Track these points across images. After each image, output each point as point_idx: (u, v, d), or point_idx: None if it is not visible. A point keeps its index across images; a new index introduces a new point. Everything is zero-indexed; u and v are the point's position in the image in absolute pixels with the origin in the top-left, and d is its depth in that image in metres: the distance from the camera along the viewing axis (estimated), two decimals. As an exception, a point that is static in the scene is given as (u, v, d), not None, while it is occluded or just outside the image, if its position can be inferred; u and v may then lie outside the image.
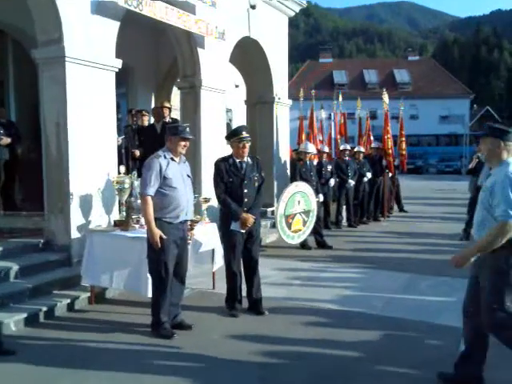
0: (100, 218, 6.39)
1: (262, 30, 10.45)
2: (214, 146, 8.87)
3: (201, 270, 6.61)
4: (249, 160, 5.57)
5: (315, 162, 10.53)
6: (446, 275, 6.76)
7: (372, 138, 14.16)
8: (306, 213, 8.87)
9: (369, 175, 11.96)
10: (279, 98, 11.32)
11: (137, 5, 6.67)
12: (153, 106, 11.28)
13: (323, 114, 14.23)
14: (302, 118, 12.83)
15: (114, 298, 5.98)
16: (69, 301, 5.51)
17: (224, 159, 5.60)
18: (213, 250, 6.37)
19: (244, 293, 5.67)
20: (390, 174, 13.16)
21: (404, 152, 13.94)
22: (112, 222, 6.26)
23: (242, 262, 5.61)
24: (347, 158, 11.56)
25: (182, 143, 4.89)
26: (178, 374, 4.07)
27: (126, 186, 6.06)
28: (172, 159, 4.86)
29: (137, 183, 6.03)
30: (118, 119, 8.25)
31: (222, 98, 9.32)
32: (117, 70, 6.76)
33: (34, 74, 6.92)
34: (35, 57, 6.28)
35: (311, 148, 9.79)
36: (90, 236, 5.77)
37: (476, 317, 3.77)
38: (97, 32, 6.41)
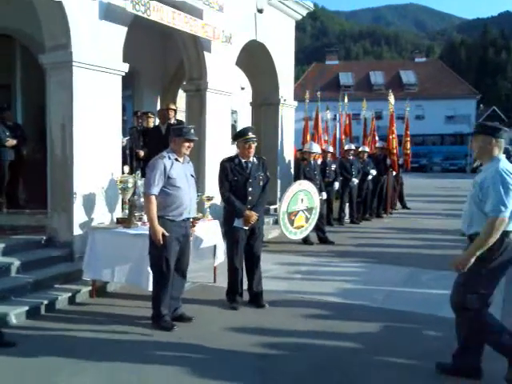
0: (103, 216, 6.45)
1: (269, 34, 10.50)
2: (218, 147, 8.94)
3: (202, 265, 6.64)
4: (254, 160, 5.65)
5: (319, 161, 10.59)
6: (447, 269, 6.72)
7: (377, 137, 14.20)
8: (309, 210, 8.90)
9: (373, 172, 12.02)
10: (285, 100, 11.37)
11: (144, 10, 6.75)
12: (158, 108, 11.36)
13: (329, 115, 14.28)
14: (307, 119, 12.88)
15: (116, 292, 6.02)
16: (70, 294, 5.57)
17: (230, 159, 5.70)
18: (214, 246, 6.43)
19: (245, 286, 5.71)
20: (394, 173, 13.20)
21: (408, 151, 13.99)
22: (115, 220, 6.32)
23: (244, 257, 5.67)
24: (351, 158, 11.60)
25: (186, 144, 4.95)
26: (177, 364, 4.10)
27: (130, 185, 6.12)
28: (176, 160, 4.92)
29: (140, 182, 6.09)
30: (124, 121, 8.32)
31: (228, 100, 9.39)
32: (123, 74, 6.84)
33: (41, 78, 7.01)
34: (43, 62, 6.36)
35: (316, 148, 9.86)
36: (92, 233, 5.83)
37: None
38: (104, 37, 6.49)
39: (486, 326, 3.80)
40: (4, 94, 9.66)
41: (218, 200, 7.26)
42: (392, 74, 48.87)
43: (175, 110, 9.19)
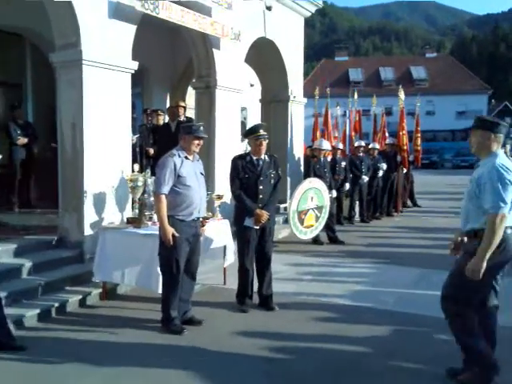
0: (113, 216, 6.46)
1: (278, 31, 10.45)
2: (228, 145, 8.92)
3: (212, 266, 6.63)
4: (266, 158, 5.62)
5: (329, 158, 10.54)
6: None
7: (387, 134, 14.12)
8: (319, 209, 8.86)
9: (384, 166, 11.93)
10: (294, 97, 11.33)
11: (153, 8, 6.74)
12: (168, 105, 11.36)
13: (339, 111, 14.21)
14: (316, 116, 12.82)
15: (126, 294, 6.03)
16: (81, 297, 5.57)
17: (241, 156, 5.68)
18: (224, 247, 6.40)
19: (255, 288, 5.69)
20: (405, 170, 13.11)
21: (419, 148, 13.88)
22: (125, 220, 6.32)
23: (255, 257, 5.64)
24: (361, 155, 11.54)
25: (196, 142, 4.92)
26: (186, 368, 4.10)
27: (140, 183, 6.11)
28: (186, 158, 4.90)
29: (150, 181, 6.08)
30: (133, 119, 8.33)
31: (237, 97, 9.36)
32: (133, 72, 6.83)
33: (51, 76, 7.03)
34: (53, 60, 6.37)
35: (325, 145, 9.80)
36: (103, 233, 5.84)
37: (481, 311, 3.80)
38: (114, 35, 6.48)
39: (466, 325, 3.78)
40: (15, 92, 9.68)
41: (228, 198, 7.25)
42: (402, 69, 48.57)
43: (185, 108, 9.19)
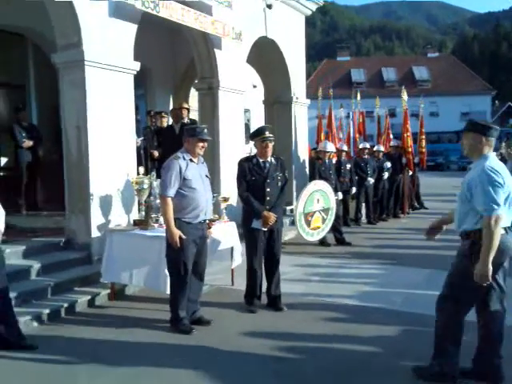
0: (120, 218, 6.48)
1: (279, 30, 10.46)
2: (232, 146, 8.93)
3: (220, 268, 6.65)
4: (272, 160, 5.63)
5: (334, 160, 10.54)
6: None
7: (391, 136, 14.10)
8: (325, 211, 8.86)
9: (388, 164, 11.93)
10: (297, 98, 11.34)
11: (154, 7, 6.75)
12: (171, 107, 11.38)
13: (342, 113, 14.21)
14: (320, 117, 12.81)
15: (134, 295, 6.05)
16: (89, 297, 5.61)
17: (247, 159, 5.70)
18: (231, 248, 6.41)
19: (263, 289, 5.70)
20: (410, 172, 13.09)
21: (424, 149, 13.85)
22: (131, 222, 6.34)
23: (263, 259, 5.66)
24: (366, 157, 11.54)
25: (200, 144, 4.93)
26: (195, 368, 4.11)
27: (145, 186, 6.14)
28: (191, 160, 4.91)
29: (156, 183, 6.10)
30: (137, 121, 8.35)
31: (240, 98, 9.37)
32: (135, 73, 6.85)
33: (54, 77, 7.04)
34: (55, 61, 6.39)
35: (330, 147, 9.81)
36: (110, 235, 5.86)
37: (482, 312, 3.85)
38: (115, 35, 6.50)
39: (455, 328, 3.86)
40: (19, 94, 9.70)
41: (234, 201, 7.26)
42: (404, 70, 48.51)
43: (188, 109, 9.19)
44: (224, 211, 6.57)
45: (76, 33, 6.10)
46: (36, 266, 5.74)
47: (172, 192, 4.78)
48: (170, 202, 4.78)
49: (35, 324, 4.96)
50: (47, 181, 8.65)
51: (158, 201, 6.05)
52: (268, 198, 5.50)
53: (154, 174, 6.52)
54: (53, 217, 7.64)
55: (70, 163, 6.39)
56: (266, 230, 5.51)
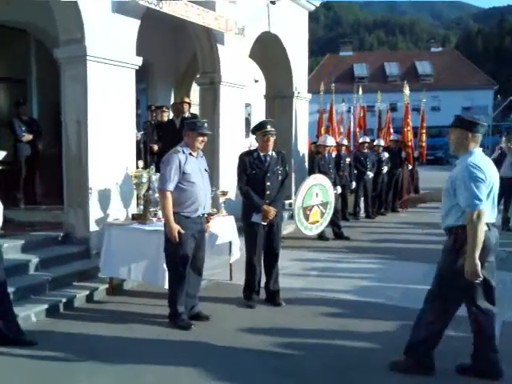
0: (118, 212, 6.47)
1: (282, 25, 10.42)
2: (232, 141, 8.92)
3: (218, 262, 6.66)
4: (273, 154, 5.62)
5: (334, 154, 10.53)
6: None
7: (392, 130, 14.08)
8: (324, 205, 8.86)
9: (386, 155, 11.97)
10: (298, 93, 11.31)
11: (157, 3, 6.72)
12: (172, 102, 11.35)
13: (344, 107, 14.19)
14: (321, 112, 12.79)
15: (133, 290, 6.05)
16: (88, 292, 5.61)
17: (248, 153, 5.69)
18: (230, 243, 6.41)
19: (262, 284, 5.70)
20: (410, 167, 13.08)
21: (423, 144, 13.84)
22: (130, 216, 6.33)
23: (263, 253, 5.65)
24: (366, 151, 11.53)
25: (200, 138, 4.92)
26: (193, 363, 4.12)
27: (144, 180, 6.12)
28: (190, 154, 4.90)
29: (154, 177, 6.09)
30: (138, 115, 8.34)
31: (242, 93, 9.35)
32: (137, 68, 6.83)
33: (56, 72, 7.03)
34: (58, 56, 6.38)
35: (330, 141, 9.80)
36: (108, 229, 5.86)
37: (471, 309, 3.88)
38: (117, 30, 6.48)
39: (442, 323, 3.90)
40: (19, 88, 9.69)
41: (232, 195, 7.25)
42: (407, 64, 48.34)
43: (189, 104, 9.18)
44: (223, 205, 6.57)
45: (79, 28, 6.08)
46: (34, 260, 5.74)
47: (171, 186, 4.77)
48: (169, 195, 4.77)
49: (34, 319, 4.96)
50: (46, 175, 8.64)
51: (156, 195, 6.04)
52: (268, 192, 5.49)
53: (153, 168, 6.51)
54: (51, 211, 7.62)
55: (70, 157, 6.38)
56: (265, 224, 5.50)
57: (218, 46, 8.52)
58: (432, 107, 41.76)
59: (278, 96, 11.35)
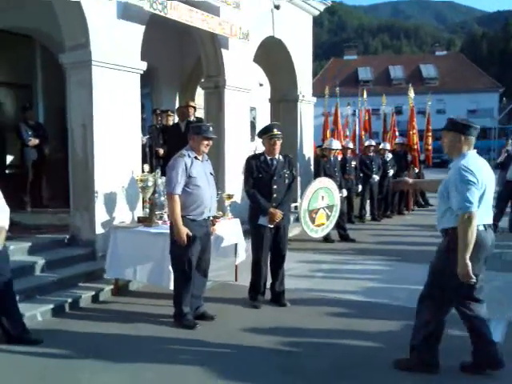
0: (124, 215, 6.50)
1: (286, 30, 10.45)
2: (237, 144, 8.95)
3: (224, 263, 6.67)
4: (280, 157, 5.64)
5: (339, 157, 10.54)
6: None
7: (397, 133, 14.09)
8: (330, 207, 8.86)
9: (389, 155, 11.97)
10: (303, 96, 11.32)
11: (162, 9, 6.76)
12: (177, 105, 11.40)
13: (349, 111, 14.21)
14: (326, 115, 12.81)
15: (138, 290, 6.07)
16: (93, 293, 5.64)
17: (255, 156, 5.70)
18: (236, 244, 6.42)
19: (267, 285, 5.71)
20: (416, 170, 13.07)
21: (429, 147, 13.84)
22: (136, 219, 6.36)
23: (269, 256, 5.66)
24: (372, 154, 11.54)
25: (205, 142, 4.94)
26: (199, 363, 4.12)
27: (150, 183, 6.15)
28: (195, 158, 4.93)
29: (160, 181, 6.12)
30: (143, 119, 8.38)
31: (246, 96, 9.37)
32: (142, 73, 6.87)
33: (61, 77, 7.09)
34: (63, 61, 6.43)
35: (335, 145, 9.83)
36: (114, 232, 5.89)
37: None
38: (122, 36, 6.53)
39: (437, 323, 3.89)
40: (25, 93, 9.79)
41: (238, 198, 7.26)
42: (412, 68, 48.28)
43: (195, 108, 9.21)
44: (228, 208, 6.59)
45: (84, 34, 6.13)
46: (40, 262, 5.77)
47: (179, 189, 4.79)
48: (177, 199, 4.80)
49: (40, 319, 4.99)
50: (52, 178, 8.72)
51: (162, 198, 6.09)
52: (275, 196, 5.51)
53: (158, 171, 6.53)
54: (57, 214, 7.69)
55: (76, 161, 6.42)
56: (272, 226, 5.52)
57: (223, 50, 8.56)
58: (437, 110, 41.63)
59: (283, 100, 11.36)
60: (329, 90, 13.17)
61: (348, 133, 13.95)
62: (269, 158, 5.58)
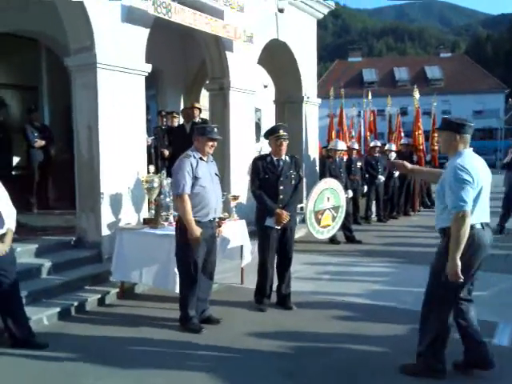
0: (130, 217, 6.49)
1: (291, 33, 10.44)
2: (242, 145, 8.94)
3: (229, 266, 6.64)
4: (287, 158, 5.61)
5: (345, 158, 10.53)
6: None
7: (402, 134, 14.05)
8: (336, 208, 8.84)
9: (393, 155, 11.87)
10: (308, 98, 11.31)
11: (166, 12, 6.77)
12: (182, 107, 11.41)
13: (354, 112, 14.19)
14: (332, 116, 12.80)
15: (144, 293, 6.05)
16: (99, 296, 5.63)
17: (261, 157, 5.68)
18: (241, 247, 6.40)
19: (273, 288, 5.68)
20: (422, 170, 13.01)
21: (436, 147, 13.79)
22: (141, 220, 6.35)
23: (276, 257, 5.63)
24: (377, 155, 11.51)
25: (210, 143, 4.92)
26: (204, 367, 4.10)
27: (155, 185, 6.15)
28: (200, 159, 4.90)
29: (166, 182, 6.11)
30: (148, 120, 8.38)
31: (251, 98, 9.37)
32: (146, 75, 6.88)
33: (66, 79, 7.11)
34: (68, 64, 6.44)
35: (341, 146, 9.83)
36: (120, 233, 5.88)
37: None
38: (127, 39, 6.54)
39: (441, 324, 3.85)
40: (31, 95, 9.83)
41: (243, 199, 7.24)
42: (417, 69, 48.18)
43: (200, 109, 9.23)
44: (234, 209, 6.56)
45: (89, 37, 6.14)
46: (47, 264, 5.77)
47: (188, 189, 4.75)
48: (187, 199, 4.75)
49: (46, 322, 4.98)
50: (58, 180, 8.73)
51: (167, 199, 6.08)
52: (281, 197, 5.48)
53: (164, 172, 6.52)
54: (64, 215, 7.70)
55: (81, 163, 6.43)
56: (279, 228, 5.49)
57: (227, 53, 8.56)
58: (443, 111, 41.53)
59: (288, 101, 11.36)
60: (333, 91, 13.14)
61: (353, 134, 13.93)
62: (275, 158, 5.55)
